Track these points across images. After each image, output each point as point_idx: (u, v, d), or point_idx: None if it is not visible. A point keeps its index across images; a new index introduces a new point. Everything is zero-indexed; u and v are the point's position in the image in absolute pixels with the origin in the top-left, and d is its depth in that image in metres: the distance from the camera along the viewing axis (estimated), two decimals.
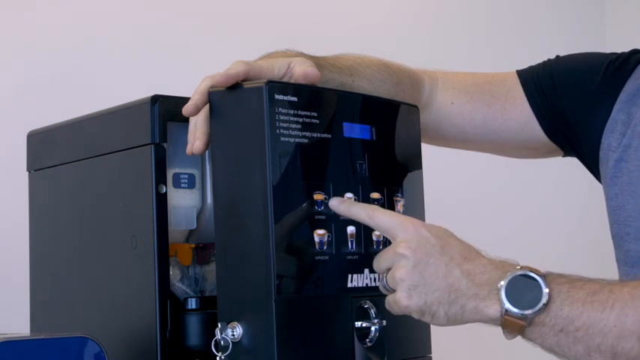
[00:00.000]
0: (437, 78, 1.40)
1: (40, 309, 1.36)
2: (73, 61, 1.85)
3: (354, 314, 1.10)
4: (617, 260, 1.28)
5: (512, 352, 2.25)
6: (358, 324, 1.10)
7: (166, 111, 1.17)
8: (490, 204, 2.51)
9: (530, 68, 1.39)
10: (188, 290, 1.21)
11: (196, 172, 1.24)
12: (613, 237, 1.28)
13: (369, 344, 1.11)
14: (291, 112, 1.05)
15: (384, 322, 1.11)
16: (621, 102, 1.28)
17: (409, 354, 1.18)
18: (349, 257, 1.09)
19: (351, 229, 1.10)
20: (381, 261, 1.06)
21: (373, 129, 1.15)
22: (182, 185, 1.22)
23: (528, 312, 1.01)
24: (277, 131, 1.04)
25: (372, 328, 1.11)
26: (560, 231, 2.67)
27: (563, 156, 1.41)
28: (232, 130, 1.06)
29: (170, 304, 1.14)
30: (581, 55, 1.38)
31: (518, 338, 1.06)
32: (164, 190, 1.16)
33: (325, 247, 1.06)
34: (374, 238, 1.12)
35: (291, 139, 1.05)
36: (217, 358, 1.05)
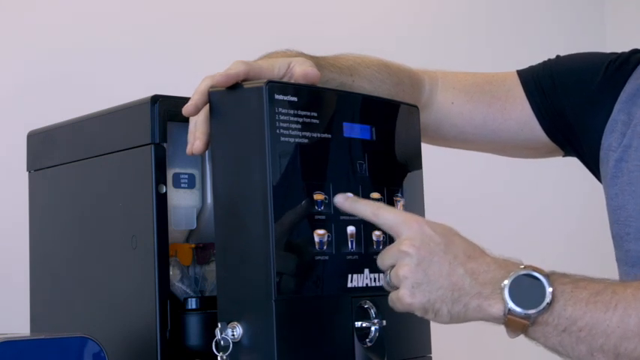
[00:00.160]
0: (437, 78, 1.40)
1: (40, 309, 1.36)
2: (73, 61, 1.85)
3: (354, 314, 1.10)
4: (617, 260, 1.28)
5: (512, 352, 2.25)
6: (358, 324, 1.10)
7: (166, 111, 1.17)
8: (490, 204, 2.51)
9: (530, 68, 1.39)
10: (188, 290, 1.21)
11: (196, 172, 1.24)
12: (613, 237, 1.28)
13: (369, 344, 1.11)
14: (291, 112, 1.05)
15: (384, 322, 1.11)
16: (621, 102, 1.28)
17: (409, 354, 1.18)
18: (349, 257, 1.09)
19: (351, 229, 1.10)
20: (384, 258, 1.06)
21: (373, 129, 1.15)
22: (182, 185, 1.22)
23: (531, 311, 1.01)
24: (277, 131, 1.04)
25: (372, 328, 1.11)
26: (560, 231, 2.67)
27: (564, 156, 1.41)
28: (232, 130, 1.06)
29: (170, 304, 1.14)
30: (581, 55, 1.38)
31: (520, 339, 1.06)
32: (164, 190, 1.16)
33: (325, 247, 1.06)
34: (374, 238, 1.12)
35: (291, 139, 1.05)
36: (218, 358, 1.05)
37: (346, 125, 1.11)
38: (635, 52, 1.33)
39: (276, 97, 1.04)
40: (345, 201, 1.08)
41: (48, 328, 1.32)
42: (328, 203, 1.07)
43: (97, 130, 1.28)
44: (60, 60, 1.84)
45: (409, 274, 1.03)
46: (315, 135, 1.07)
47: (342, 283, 1.09)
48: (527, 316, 1.01)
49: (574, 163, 1.40)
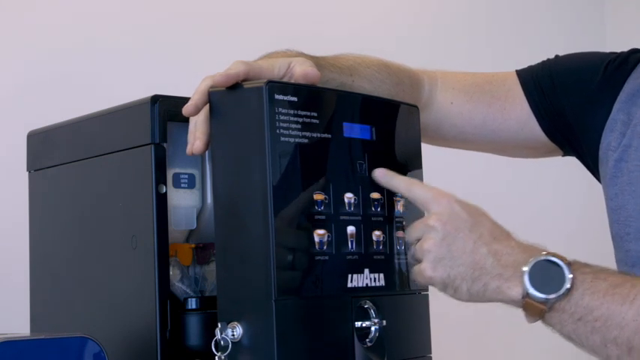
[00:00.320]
0: (436, 78, 1.40)
1: (40, 309, 1.36)
2: (73, 61, 1.85)
3: (354, 314, 1.10)
4: (617, 260, 1.28)
5: (512, 352, 2.25)
6: (358, 324, 1.10)
7: (166, 111, 1.17)
8: (490, 204, 2.48)
9: (530, 68, 1.39)
10: (188, 290, 1.21)
11: (196, 172, 1.24)
12: (613, 237, 1.28)
13: (369, 344, 1.11)
14: (291, 112, 1.05)
15: (384, 322, 1.11)
16: (621, 102, 1.28)
17: (409, 354, 1.18)
18: (349, 257, 1.09)
19: (351, 229, 1.10)
20: (412, 231, 1.09)
21: (373, 129, 1.15)
22: (182, 185, 1.22)
23: (549, 296, 1.03)
24: (277, 131, 1.04)
25: (372, 328, 1.11)
26: (560, 231, 2.66)
27: (563, 155, 1.41)
28: (232, 130, 1.06)
29: (170, 304, 1.14)
30: (581, 55, 1.38)
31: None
32: (164, 190, 1.16)
33: (325, 247, 1.06)
34: (374, 238, 1.12)
35: (291, 139, 1.05)
36: (217, 357, 1.05)
37: (346, 125, 1.11)
38: (634, 51, 1.33)
39: (276, 97, 1.04)
40: (384, 175, 1.11)
41: (48, 328, 1.32)
42: (328, 203, 1.07)
43: (97, 130, 1.28)
44: (60, 60, 1.84)
45: (433, 248, 1.05)
46: (315, 135, 1.07)
47: (342, 283, 1.09)
48: (544, 301, 1.02)
49: (574, 163, 1.40)
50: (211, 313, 1.10)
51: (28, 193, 1.40)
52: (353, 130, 1.12)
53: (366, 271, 1.11)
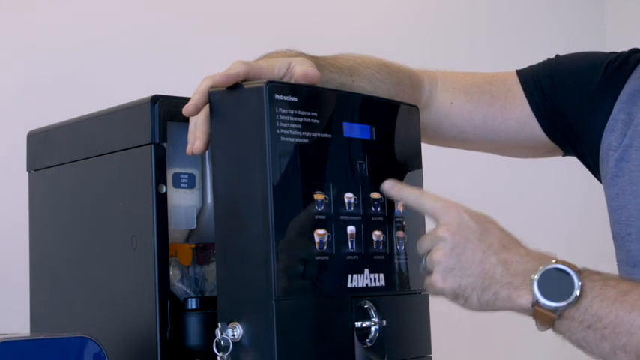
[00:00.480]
0: (437, 78, 1.40)
1: (40, 309, 1.36)
2: (73, 61, 1.85)
3: (354, 314, 1.10)
4: (618, 260, 1.28)
5: (512, 352, 2.25)
6: (358, 324, 1.10)
7: (166, 111, 1.17)
8: (490, 204, 2.48)
9: (530, 68, 1.39)
10: (188, 290, 1.21)
11: (196, 172, 1.24)
12: (614, 237, 1.28)
13: (369, 344, 1.11)
14: (291, 112, 1.05)
15: (384, 322, 1.11)
16: (621, 101, 1.28)
17: (409, 354, 1.18)
18: (349, 257, 1.09)
19: (351, 229, 1.10)
20: (423, 242, 1.10)
21: (373, 129, 1.15)
22: (182, 185, 1.22)
23: (558, 305, 1.03)
24: (277, 131, 1.04)
25: (372, 328, 1.11)
26: (560, 231, 2.67)
27: (563, 155, 1.41)
28: (232, 130, 1.06)
29: (170, 304, 1.14)
30: (581, 55, 1.38)
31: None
32: (164, 190, 1.16)
33: (325, 247, 1.06)
34: (374, 238, 1.12)
35: (291, 139, 1.05)
36: (218, 358, 1.05)
37: (346, 125, 1.11)
38: (634, 51, 1.33)
39: (276, 97, 1.04)
40: (393, 187, 1.12)
41: (48, 328, 1.32)
42: (328, 203, 1.07)
43: (97, 130, 1.28)
44: (60, 60, 1.84)
45: (442, 259, 1.06)
46: (315, 135, 1.07)
47: (342, 283, 1.09)
48: (554, 309, 1.03)
49: (574, 163, 1.40)
50: (211, 313, 1.10)
51: (28, 193, 1.40)
52: (353, 130, 1.12)
53: (366, 271, 1.11)
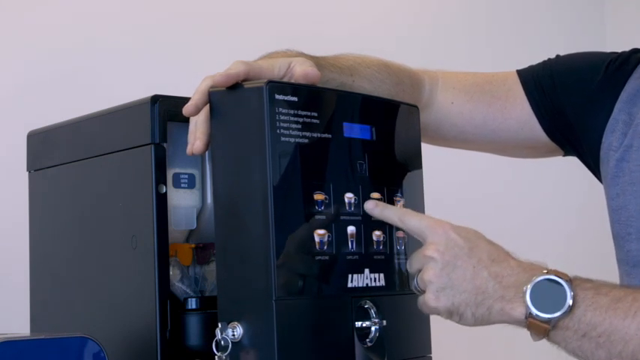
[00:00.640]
0: (437, 78, 1.40)
1: (40, 309, 1.36)
2: (73, 61, 1.85)
3: (354, 314, 1.10)
4: (618, 260, 1.28)
5: (512, 353, 2.25)
6: (358, 324, 1.10)
7: (166, 111, 1.17)
8: (490, 204, 2.50)
9: (530, 68, 1.39)
10: (188, 290, 1.21)
11: (196, 172, 1.24)
12: (614, 237, 1.28)
13: (369, 344, 1.11)
14: (291, 112, 1.05)
15: (384, 322, 1.11)
16: (622, 101, 1.28)
17: (409, 354, 1.18)
18: (349, 257, 1.09)
19: (351, 229, 1.10)
20: (412, 263, 1.09)
21: (373, 129, 1.15)
22: (182, 185, 1.22)
23: (552, 316, 1.03)
24: (277, 131, 1.04)
25: (372, 328, 1.11)
26: (560, 231, 2.67)
27: (564, 155, 1.41)
28: (232, 130, 1.06)
29: (170, 304, 1.14)
30: (581, 55, 1.38)
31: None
32: (164, 190, 1.16)
33: (325, 247, 1.06)
34: (374, 238, 1.12)
35: (291, 139, 1.05)
36: (217, 357, 1.05)
37: (346, 125, 1.11)
38: (635, 51, 1.33)
39: (277, 97, 1.04)
40: (375, 207, 1.11)
41: (48, 328, 1.32)
42: (328, 203, 1.07)
43: (97, 130, 1.28)
44: (60, 60, 1.84)
45: (434, 279, 1.06)
46: (315, 135, 1.07)
47: (342, 283, 1.09)
48: (547, 321, 1.03)
49: (574, 162, 1.40)
50: (211, 313, 1.10)
51: (28, 193, 1.40)
52: (353, 130, 1.12)
53: (366, 271, 1.11)
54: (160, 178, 1.16)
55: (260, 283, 1.02)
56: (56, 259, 1.33)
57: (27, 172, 1.40)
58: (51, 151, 1.36)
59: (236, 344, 1.03)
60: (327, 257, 1.07)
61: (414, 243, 1.12)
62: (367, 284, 1.11)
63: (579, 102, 1.32)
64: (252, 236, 1.03)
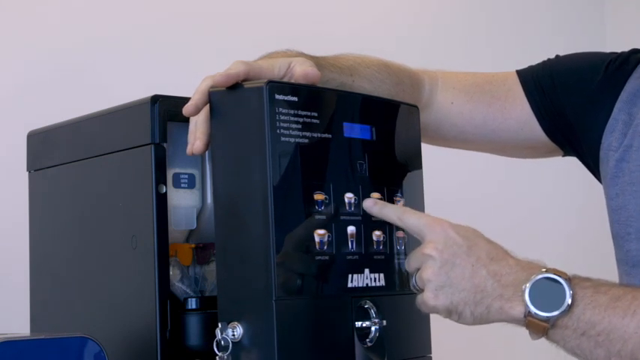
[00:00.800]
0: (437, 78, 1.40)
1: (40, 309, 1.36)
2: (73, 61, 1.85)
3: (354, 314, 1.10)
4: (618, 260, 1.28)
5: (512, 353, 2.25)
6: (358, 324, 1.10)
7: (166, 111, 1.17)
8: (490, 204, 2.50)
9: (530, 68, 1.39)
10: (188, 290, 1.21)
11: (196, 172, 1.24)
12: (613, 237, 1.28)
13: (369, 344, 1.11)
14: (291, 112, 1.05)
15: (384, 322, 1.11)
16: (622, 102, 1.28)
17: (409, 354, 1.18)
18: (349, 257, 1.09)
19: (351, 229, 1.10)
20: (410, 261, 1.09)
21: (373, 129, 1.15)
22: (182, 185, 1.22)
23: (550, 314, 1.02)
24: (277, 131, 1.04)
25: (372, 328, 1.11)
26: (560, 231, 2.67)
27: (563, 155, 1.41)
28: (232, 130, 1.06)
29: (170, 304, 1.14)
30: (581, 55, 1.38)
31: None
32: (164, 190, 1.16)
33: (325, 247, 1.06)
34: (374, 238, 1.12)
35: (291, 139, 1.05)
36: (217, 357, 1.05)
37: (346, 125, 1.11)
38: (635, 51, 1.33)
39: (277, 97, 1.04)
40: (374, 205, 1.11)
41: (48, 328, 1.32)
42: (328, 203, 1.07)
43: (97, 130, 1.28)
44: (60, 60, 1.84)
45: (432, 277, 1.06)
46: (315, 135, 1.07)
47: (342, 283, 1.09)
48: (546, 319, 1.03)
49: (573, 162, 1.40)
50: (211, 313, 1.10)
51: (28, 193, 1.40)
52: (353, 130, 1.12)
53: (367, 271, 1.11)
54: (160, 178, 1.16)
55: (260, 283, 1.02)
56: (56, 259, 1.34)
57: (27, 172, 1.40)
58: (51, 151, 1.36)
59: (236, 344, 1.03)
60: (327, 257, 1.07)
61: (414, 243, 1.12)
62: (367, 284, 1.11)
63: (579, 102, 1.32)
64: (252, 236, 1.03)
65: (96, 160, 1.26)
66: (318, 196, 1.07)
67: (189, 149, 1.10)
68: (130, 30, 1.93)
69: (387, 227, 1.13)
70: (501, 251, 1.08)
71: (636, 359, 1.01)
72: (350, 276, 1.09)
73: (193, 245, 1.22)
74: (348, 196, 1.10)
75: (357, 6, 2.36)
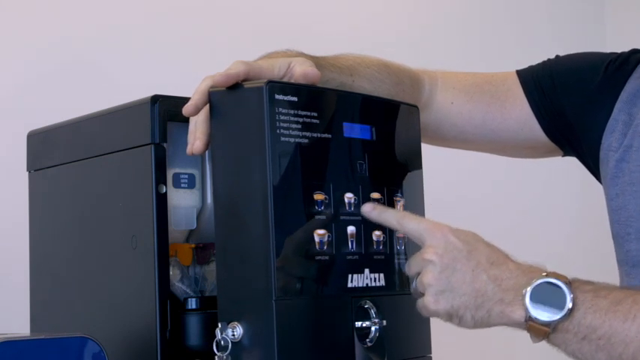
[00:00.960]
0: (437, 78, 1.40)
1: (40, 309, 1.36)
2: (73, 61, 1.85)
3: (354, 314, 1.10)
4: (618, 260, 1.28)
5: (512, 353, 2.25)
6: (358, 324, 1.10)
7: (166, 111, 1.17)
8: (490, 204, 2.51)
9: (530, 68, 1.39)
10: (188, 290, 1.21)
11: (196, 172, 1.24)
12: (613, 237, 1.28)
13: (369, 344, 1.11)
14: (291, 112, 1.05)
15: (384, 322, 1.11)
16: (622, 102, 1.28)
17: (409, 354, 1.18)
18: (349, 257, 1.09)
19: (351, 229, 1.10)
20: (411, 266, 1.09)
21: (373, 129, 1.15)
22: (182, 185, 1.22)
23: (551, 319, 1.02)
24: (277, 131, 1.04)
25: (372, 328, 1.11)
26: (559, 231, 2.67)
27: (563, 155, 1.41)
28: (232, 130, 1.06)
29: (170, 304, 1.14)
30: (581, 55, 1.38)
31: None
32: (164, 190, 1.16)
33: (325, 247, 1.06)
34: (374, 238, 1.12)
35: (291, 139, 1.05)
36: (217, 357, 1.05)
37: (346, 125, 1.11)
38: (634, 51, 1.33)
39: (277, 97, 1.04)
40: (373, 210, 1.10)
41: (48, 328, 1.32)
42: (328, 203, 1.07)
43: (97, 130, 1.28)
44: (60, 60, 1.84)
45: (433, 282, 1.05)
46: (315, 135, 1.07)
47: (342, 283, 1.09)
48: (547, 323, 1.02)
49: (573, 162, 1.40)
50: (211, 313, 1.10)
51: (28, 193, 1.40)
52: (353, 130, 1.12)
53: (366, 271, 1.11)
54: (160, 178, 1.16)
55: (260, 283, 1.02)
56: (56, 259, 1.34)
57: (27, 172, 1.40)
58: (51, 151, 1.36)
59: (236, 344, 1.03)
60: (327, 257, 1.07)
61: (414, 243, 1.12)
62: (367, 284, 1.11)
63: (579, 102, 1.32)
64: (252, 236, 1.03)
65: (96, 160, 1.26)
66: (318, 196, 1.07)
67: (189, 149, 1.09)
68: (130, 30, 1.93)
69: (387, 227, 1.13)
70: (502, 255, 1.08)
71: None
72: (350, 276, 1.09)
73: (193, 245, 1.22)
74: (348, 196, 1.10)
75: (357, 6, 2.37)
